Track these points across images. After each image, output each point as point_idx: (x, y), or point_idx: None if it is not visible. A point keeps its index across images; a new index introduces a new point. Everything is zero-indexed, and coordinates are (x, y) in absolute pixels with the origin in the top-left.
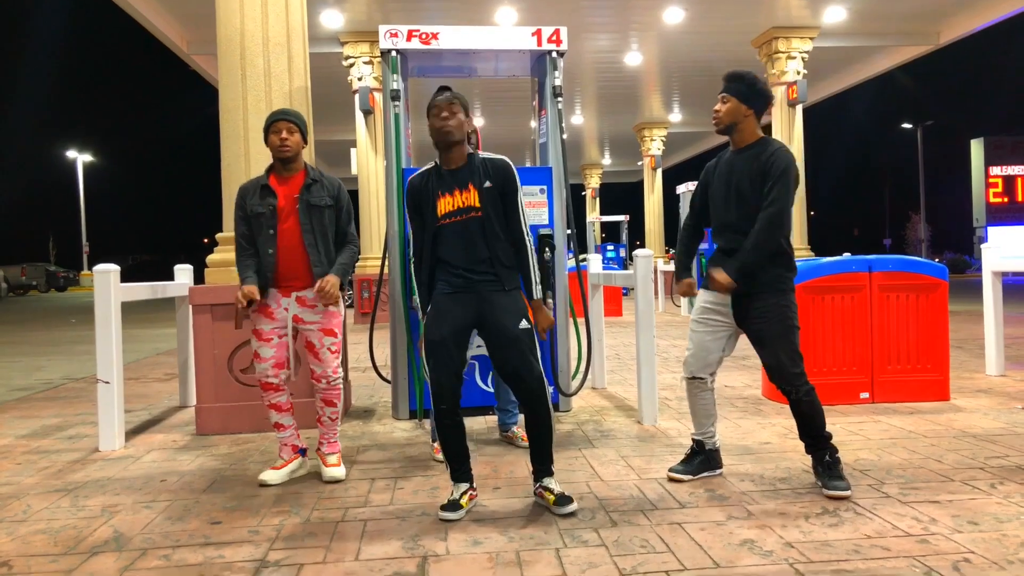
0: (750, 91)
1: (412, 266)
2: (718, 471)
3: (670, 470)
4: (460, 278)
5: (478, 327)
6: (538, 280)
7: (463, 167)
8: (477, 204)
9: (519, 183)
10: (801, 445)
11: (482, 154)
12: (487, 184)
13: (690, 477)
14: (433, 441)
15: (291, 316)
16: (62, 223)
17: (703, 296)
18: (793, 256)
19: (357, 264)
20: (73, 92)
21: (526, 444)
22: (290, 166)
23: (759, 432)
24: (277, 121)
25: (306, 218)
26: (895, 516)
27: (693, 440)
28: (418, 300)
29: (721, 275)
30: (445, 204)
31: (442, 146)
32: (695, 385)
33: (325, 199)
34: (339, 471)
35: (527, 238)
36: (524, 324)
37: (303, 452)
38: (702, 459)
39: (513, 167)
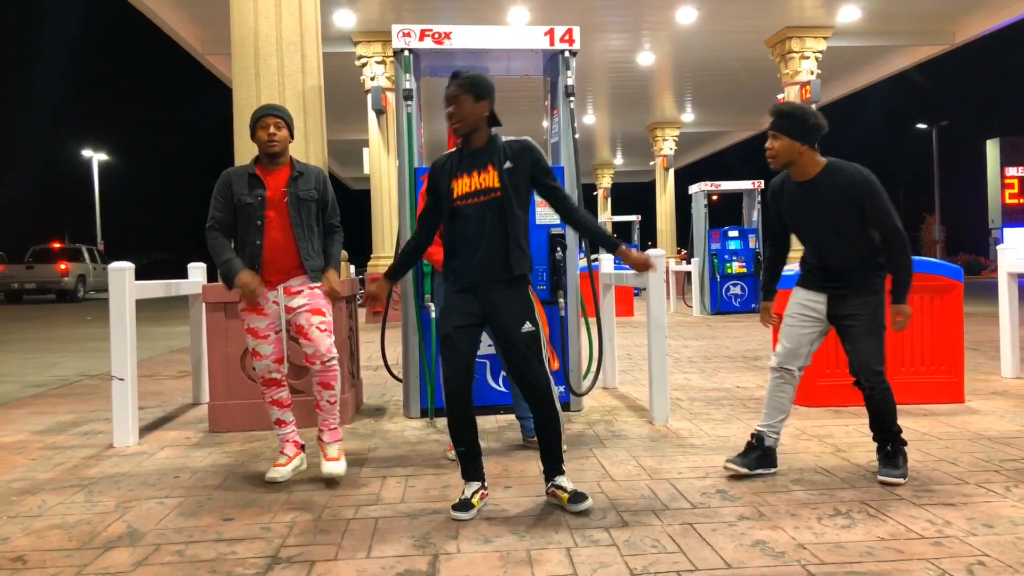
0: (800, 127)
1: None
2: (773, 470)
3: (727, 461)
4: (465, 275)
5: (487, 323)
6: (604, 231)
7: (482, 148)
8: (496, 185)
9: (543, 155)
10: (813, 445)
11: (505, 137)
12: (507, 165)
13: (747, 471)
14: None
15: (283, 308)
16: (77, 221)
17: (800, 295)
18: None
19: (370, 264)
20: (88, 91)
21: None
22: (277, 160)
23: None
24: (265, 116)
25: (295, 212)
26: (909, 518)
27: (754, 434)
28: (395, 266)
29: (903, 310)
30: (461, 186)
31: (458, 135)
32: (782, 376)
33: (311, 191)
34: (338, 466)
35: (580, 199)
36: (528, 327)
37: (303, 448)
38: (759, 454)
39: (535, 144)
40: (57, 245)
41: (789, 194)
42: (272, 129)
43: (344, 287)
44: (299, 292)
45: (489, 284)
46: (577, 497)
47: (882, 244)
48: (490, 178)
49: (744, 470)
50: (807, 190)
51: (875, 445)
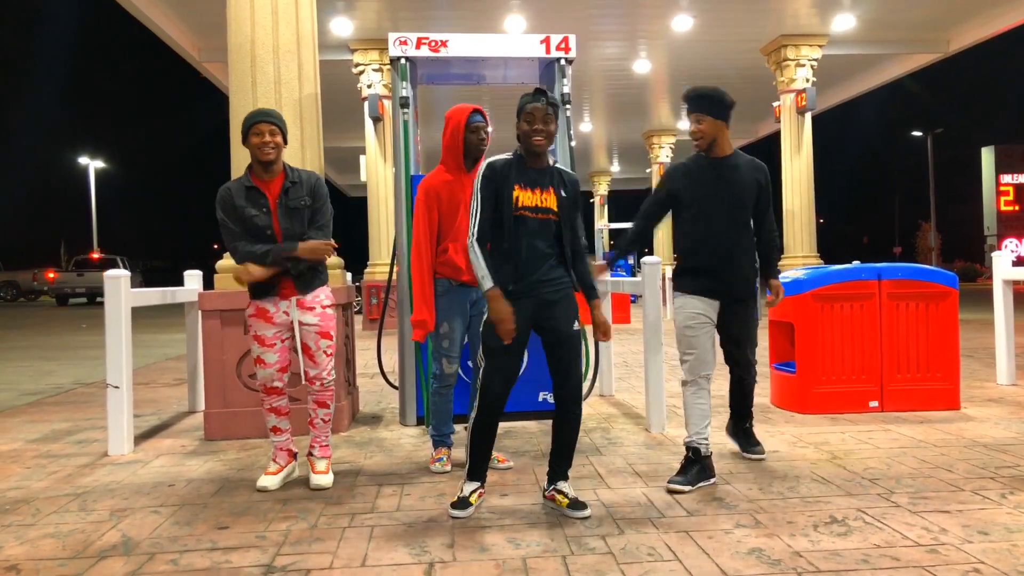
0: (721, 107)
1: (474, 240)
2: (712, 480)
3: (669, 482)
4: (523, 282)
5: (535, 328)
6: (592, 282)
7: (545, 170)
8: (556, 208)
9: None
10: (809, 452)
11: (555, 164)
12: (563, 193)
13: (690, 488)
14: (435, 448)
15: (296, 320)
16: (73, 228)
17: (696, 304)
18: None
19: (367, 271)
20: (85, 99)
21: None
22: (271, 168)
23: (768, 440)
24: (258, 123)
25: (287, 222)
26: (905, 526)
27: (689, 448)
28: (481, 270)
29: (779, 288)
30: (525, 198)
31: (531, 154)
32: (703, 384)
33: (303, 199)
34: (326, 479)
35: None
36: (576, 326)
37: (295, 456)
38: (699, 468)
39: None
40: (96, 256)
41: (699, 170)
42: (267, 136)
43: (340, 294)
44: (311, 308)
45: (549, 289)
46: (577, 505)
47: (759, 229)
48: (551, 200)
49: (687, 488)
50: (725, 166)
51: (870, 452)
